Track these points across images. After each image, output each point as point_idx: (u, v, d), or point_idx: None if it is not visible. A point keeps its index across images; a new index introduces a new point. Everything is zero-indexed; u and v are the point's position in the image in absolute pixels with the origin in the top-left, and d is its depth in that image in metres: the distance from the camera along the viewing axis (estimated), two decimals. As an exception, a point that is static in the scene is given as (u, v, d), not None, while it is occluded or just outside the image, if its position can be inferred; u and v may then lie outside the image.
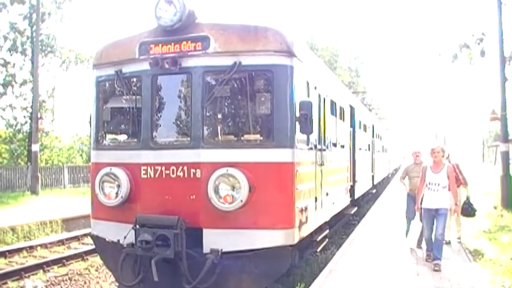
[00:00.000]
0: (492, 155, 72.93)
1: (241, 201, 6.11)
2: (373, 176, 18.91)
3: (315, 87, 7.77)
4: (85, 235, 13.86)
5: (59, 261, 11.03)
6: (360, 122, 14.94)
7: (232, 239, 6.22)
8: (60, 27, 28.23)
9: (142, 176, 6.61)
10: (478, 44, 37.43)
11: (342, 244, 10.19)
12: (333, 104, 9.63)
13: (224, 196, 6.15)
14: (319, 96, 8.17)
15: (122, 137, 7.51)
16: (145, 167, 6.60)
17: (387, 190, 24.03)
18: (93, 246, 11.04)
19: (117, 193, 6.69)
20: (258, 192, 6.17)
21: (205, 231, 6.30)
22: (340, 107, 10.69)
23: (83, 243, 13.39)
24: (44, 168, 26.35)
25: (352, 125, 12.93)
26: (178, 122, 6.94)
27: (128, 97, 6.97)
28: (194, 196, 6.35)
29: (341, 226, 12.70)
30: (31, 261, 11.16)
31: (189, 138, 6.57)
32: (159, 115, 6.91)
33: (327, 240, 8.91)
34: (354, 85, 46.13)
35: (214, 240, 6.24)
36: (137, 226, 6.31)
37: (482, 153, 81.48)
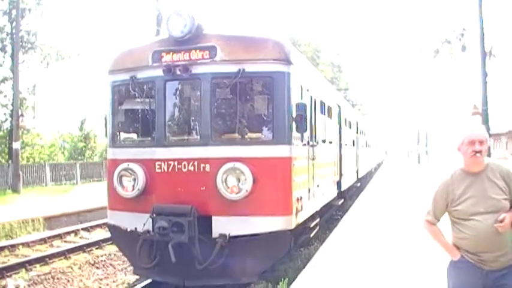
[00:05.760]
0: (474, 149, 74.92)
1: (247, 191, 7.21)
2: (357, 170, 20.23)
3: (307, 90, 8.93)
4: (68, 233, 14.44)
5: (42, 260, 11.29)
6: (346, 120, 16.22)
7: (239, 225, 7.30)
8: (40, 23, 28.82)
9: (157, 170, 7.69)
10: (459, 39, 38.85)
11: (325, 239, 10.40)
12: (322, 103, 10.84)
13: (231, 187, 7.26)
14: (311, 97, 9.34)
15: (137, 136, 8.56)
16: (159, 163, 7.68)
17: (370, 184, 25.37)
18: (75, 244, 12.25)
19: (133, 186, 7.75)
20: (260, 183, 7.27)
21: (214, 218, 7.39)
22: (329, 106, 11.91)
23: (65, 241, 13.75)
24: (25, 166, 26.81)
25: (339, 123, 14.19)
26: (189, 122, 8.11)
27: (142, 100, 8.06)
28: (204, 187, 7.44)
29: (324, 221, 13.64)
30: (13, 260, 11.39)
31: (198, 137, 7.71)
32: (171, 116, 8.05)
33: (318, 227, 10.10)
34: (336, 80, 47.63)
35: (223, 226, 7.32)
36: (154, 215, 7.39)
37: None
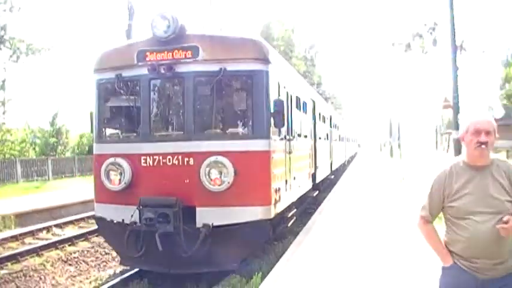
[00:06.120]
0: (445, 142, 77.65)
1: (228, 183, 7.80)
2: (331, 163, 21.02)
3: (284, 87, 9.55)
4: (39, 230, 14.36)
5: (13, 258, 11.18)
6: (320, 114, 16.92)
7: (221, 215, 7.88)
8: (9, 17, 28.63)
9: (143, 164, 8.21)
10: (431, 33, 39.78)
11: (299, 233, 10.50)
12: (298, 99, 11.48)
13: (214, 179, 7.84)
14: (287, 93, 9.97)
15: (123, 132, 9.04)
16: (145, 157, 8.20)
17: (343, 177, 26.23)
18: (48, 241, 12.39)
19: (120, 179, 8.26)
20: (241, 175, 7.85)
21: (198, 209, 7.95)
22: (304, 102, 12.57)
23: (37, 238, 13.63)
24: (-6, 163, 26.75)
25: (313, 117, 14.88)
26: (173, 119, 8.67)
27: (127, 97, 8.55)
28: (188, 180, 7.99)
29: (298, 214, 14.00)
30: (-17, 259, 11.15)
31: (182, 132, 8.25)
32: (156, 112, 8.59)
33: (294, 218, 10.76)
34: (309, 74, 48.49)
35: (206, 216, 7.89)
36: (141, 206, 7.91)
37: (436, 140, 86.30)
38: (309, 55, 53.30)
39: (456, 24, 16.18)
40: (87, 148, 34.16)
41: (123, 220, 8.15)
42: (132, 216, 7.93)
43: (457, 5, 16.71)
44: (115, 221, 8.41)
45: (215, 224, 7.83)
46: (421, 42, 38.40)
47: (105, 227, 8.84)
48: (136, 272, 9.12)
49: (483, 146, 3.36)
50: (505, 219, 3.23)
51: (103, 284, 9.31)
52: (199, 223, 7.90)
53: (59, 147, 33.93)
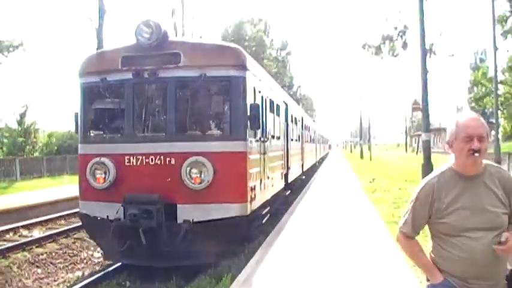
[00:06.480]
0: (415, 144, 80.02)
1: (208, 182, 8.48)
2: (302, 164, 21.86)
3: (259, 91, 10.30)
4: (6, 231, 14.15)
5: None
6: (292, 116, 17.75)
7: (201, 211, 8.54)
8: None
9: (126, 164, 8.83)
10: (401, 36, 41.10)
11: (269, 234, 10.60)
12: (272, 102, 12.27)
13: (194, 178, 8.51)
14: (262, 97, 10.72)
15: (108, 133, 9.62)
16: (128, 157, 8.82)
17: (315, 178, 27.05)
18: (15, 243, 12.50)
19: (105, 178, 8.85)
20: (220, 174, 8.53)
21: (179, 206, 8.60)
22: (277, 105, 13.37)
23: (4, 240, 13.32)
24: (-39, 163, 26.65)
25: (286, 119, 15.71)
26: (156, 121, 9.31)
27: (112, 100, 9.18)
28: (170, 179, 8.64)
29: (272, 213, 14.02)
30: None
31: (164, 133, 8.92)
32: (139, 115, 9.22)
33: (268, 215, 11.51)
34: (280, 75, 49.40)
35: (187, 213, 8.54)
36: (125, 203, 8.51)
37: (405, 142, 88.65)
38: (281, 56, 54.29)
39: (426, 28, 16.66)
40: (56, 148, 34.19)
41: (107, 216, 8.73)
42: (116, 212, 8.53)
43: (427, 9, 17.36)
44: (99, 218, 8.99)
45: (195, 220, 8.47)
46: (391, 45, 39.79)
47: (89, 224, 9.41)
48: (104, 274, 9.50)
49: (476, 154, 3.00)
50: (502, 239, 2.98)
51: (71, 286, 9.43)
52: (180, 219, 8.53)
53: (27, 147, 33.88)
